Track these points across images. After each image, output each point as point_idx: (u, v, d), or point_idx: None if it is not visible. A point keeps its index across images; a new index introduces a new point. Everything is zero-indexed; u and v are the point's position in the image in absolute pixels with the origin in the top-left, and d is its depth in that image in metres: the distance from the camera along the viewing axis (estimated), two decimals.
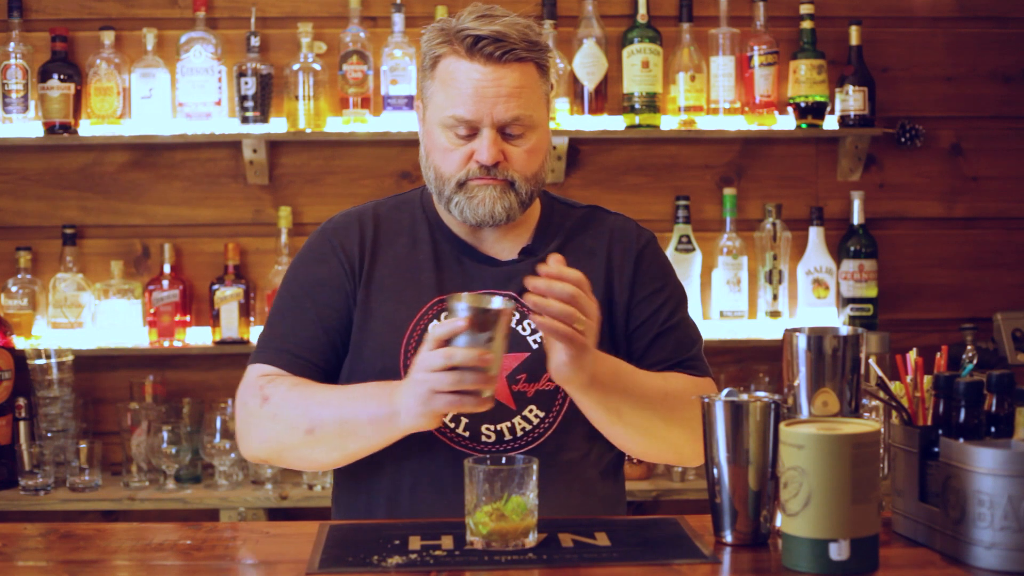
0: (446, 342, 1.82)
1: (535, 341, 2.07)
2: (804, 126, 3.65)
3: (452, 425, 2.03)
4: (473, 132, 2.03)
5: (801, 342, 1.74)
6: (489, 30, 2.01)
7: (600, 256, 2.14)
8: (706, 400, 1.72)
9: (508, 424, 2.04)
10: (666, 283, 2.17)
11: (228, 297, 3.57)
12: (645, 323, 2.13)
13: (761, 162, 3.77)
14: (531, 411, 2.05)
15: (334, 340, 2.10)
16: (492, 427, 2.03)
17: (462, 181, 2.04)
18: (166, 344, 3.56)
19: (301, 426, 1.98)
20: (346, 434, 1.96)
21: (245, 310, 3.57)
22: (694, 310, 3.33)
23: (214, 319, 3.58)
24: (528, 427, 2.04)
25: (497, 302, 1.85)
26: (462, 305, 1.82)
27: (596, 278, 2.11)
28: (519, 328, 2.08)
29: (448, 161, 2.05)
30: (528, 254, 2.13)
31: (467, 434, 2.03)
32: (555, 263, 1.87)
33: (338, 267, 2.12)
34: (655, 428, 2.01)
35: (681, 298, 2.19)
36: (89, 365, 3.61)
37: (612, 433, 2.02)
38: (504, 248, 2.14)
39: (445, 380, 1.82)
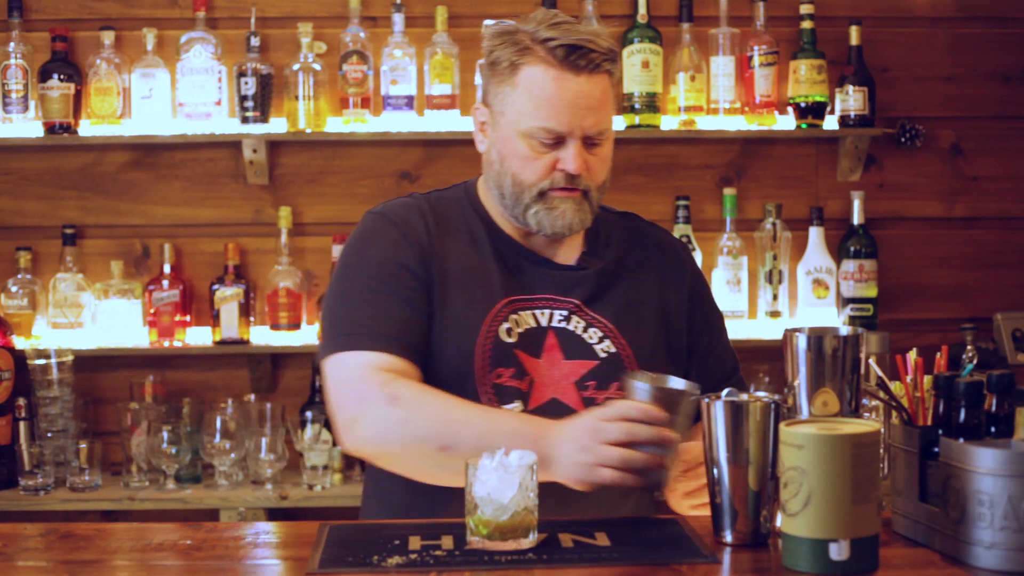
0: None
1: (603, 351, 2.09)
2: (804, 126, 3.65)
3: None
4: (557, 141, 2.03)
5: (801, 342, 1.74)
6: (578, 39, 2.01)
7: (651, 268, 2.18)
8: (706, 400, 1.72)
9: None
10: (712, 300, 2.27)
11: (228, 297, 3.57)
12: (706, 344, 2.20)
13: (761, 162, 3.77)
14: None
15: (423, 325, 2.04)
16: None
17: (544, 191, 2.04)
18: (166, 344, 3.56)
19: (436, 441, 1.89)
20: None
21: (245, 310, 3.58)
22: None
23: (214, 319, 3.58)
24: None
25: (677, 383, 1.84)
26: (644, 387, 1.81)
27: (652, 290, 2.17)
28: (585, 337, 2.09)
29: (529, 170, 2.04)
30: (587, 262, 2.15)
31: None
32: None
33: (411, 253, 2.07)
34: None
35: (719, 311, 2.28)
36: (89, 365, 3.61)
37: None
38: (556, 252, 2.15)
39: (615, 456, 1.78)
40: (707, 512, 1.79)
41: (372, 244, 2.09)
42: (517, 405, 2.02)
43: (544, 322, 2.09)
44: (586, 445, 1.79)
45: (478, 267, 2.09)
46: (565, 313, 2.10)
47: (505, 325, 2.06)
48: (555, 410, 2.02)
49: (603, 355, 2.08)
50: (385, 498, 2.12)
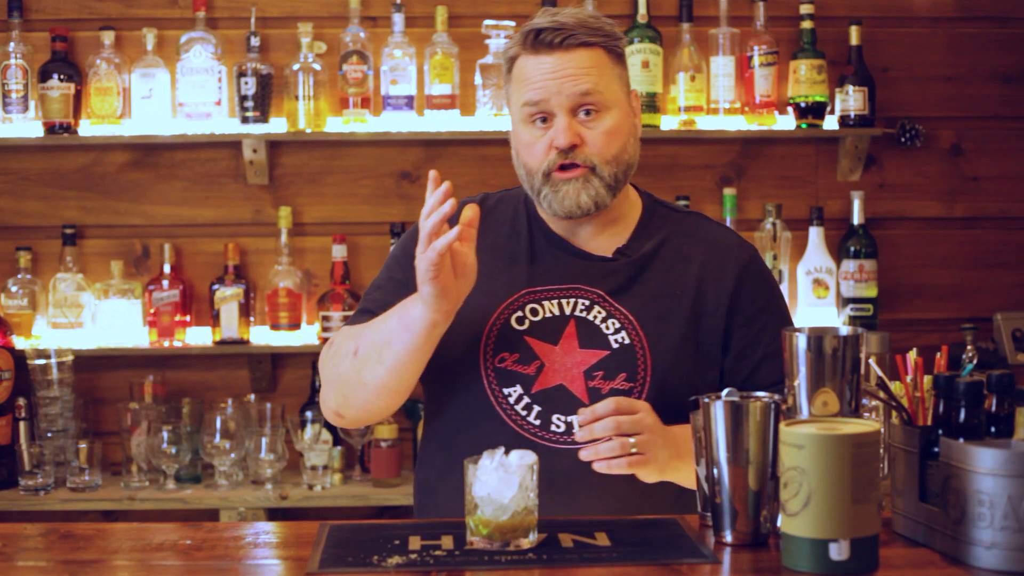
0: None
1: (616, 341, 2.10)
2: (804, 126, 3.65)
3: (524, 413, 2.07)
4: (548, 119, 2.09)
5: (801, 342, 1.74)
6: (548, 21, 2.09)
7: (695, 263, 2.18)
8: (706, 400, 1.72)
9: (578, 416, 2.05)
10: (769, 302, 2.19)
11: (228, 297, 3.57)
12: (750, 344, 2.14)
13: (761, 162, 3.77)
14: None
15: None
16: (563, 418, 2.06)
17: (547, 172, 2.10)
18: (166, 344, 3.56)
19: (350, 351, 2.06)
20: (382, 343, 2.02)
21: (245, 310, 3.58)
22: None
23: (214, 319, 3.58)
24: None
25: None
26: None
27: (687, 284, 2.16)
28: (603, 327, 2.11)
29: (532, 155, 2.11)
30: (622, 254, 2.17)
31: (538, 423, 2.06)
32: (583, 415, 1.93)
33: None
34: None
35: (785, 317, 2.21)
36: (89, 365, 3.61)
37: None
38: (600, 244, 2.18)
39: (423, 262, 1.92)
40: (615, 471, 1.91)
41: (407, 238, 2.22)
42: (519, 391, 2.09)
43: (568, 311, 2.13)
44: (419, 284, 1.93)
45: (506, 260, 2.17)
46: (587, 303, 2.13)
47: (518, 314, 2.12)
48: (561, 396, 2.06)
49: (615, 345, 2.10)
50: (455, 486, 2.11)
